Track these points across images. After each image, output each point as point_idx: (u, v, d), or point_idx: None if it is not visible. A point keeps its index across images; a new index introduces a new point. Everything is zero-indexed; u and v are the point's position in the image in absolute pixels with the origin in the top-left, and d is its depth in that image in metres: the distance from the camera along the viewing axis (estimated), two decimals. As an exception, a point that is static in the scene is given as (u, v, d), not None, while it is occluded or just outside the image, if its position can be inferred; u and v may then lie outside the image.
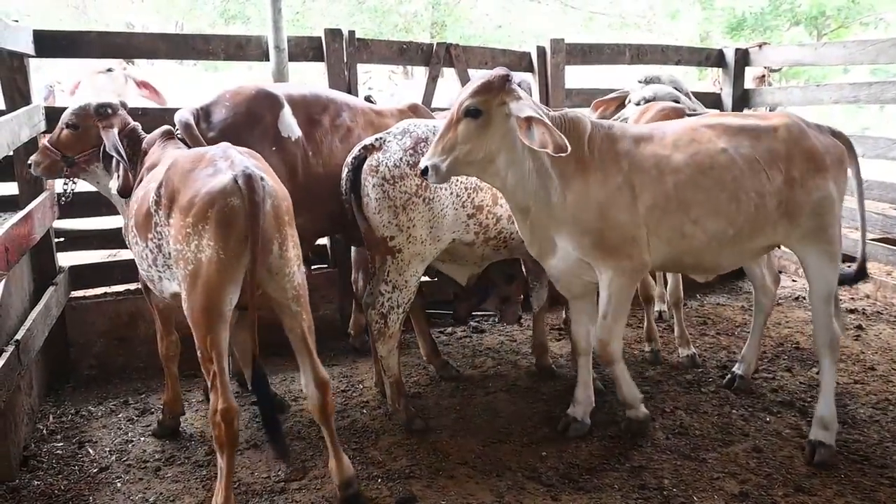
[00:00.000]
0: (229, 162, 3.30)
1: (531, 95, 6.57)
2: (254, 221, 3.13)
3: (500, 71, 3.74)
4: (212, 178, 3.20)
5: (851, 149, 4.27)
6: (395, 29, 19.54)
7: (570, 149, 3.51)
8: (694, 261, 4.16)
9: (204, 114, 4.44)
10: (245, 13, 19.48)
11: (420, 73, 7.97)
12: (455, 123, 3.69)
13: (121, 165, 4.11)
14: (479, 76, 3.89)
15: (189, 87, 8.72)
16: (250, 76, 12.42)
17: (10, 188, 5.08)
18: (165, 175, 3.38)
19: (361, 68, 6.41)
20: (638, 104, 5.26)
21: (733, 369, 4.98)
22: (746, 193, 3.93)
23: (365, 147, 4.27)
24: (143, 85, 7.40)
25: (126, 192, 4.09)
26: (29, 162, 4.32)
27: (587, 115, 4.22)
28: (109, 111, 4.27)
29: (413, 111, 5.28)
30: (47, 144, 4.26)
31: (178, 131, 4.25)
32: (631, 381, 4.29)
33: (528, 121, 3.56)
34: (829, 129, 4.24)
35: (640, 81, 5.55)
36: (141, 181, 3.90)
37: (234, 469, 3.39)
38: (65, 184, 4.48)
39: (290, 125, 4.55)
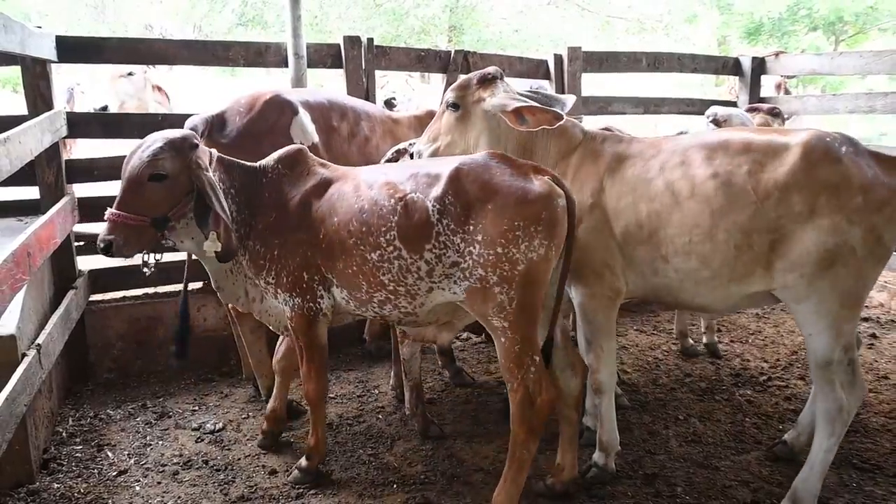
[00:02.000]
0: (528, 167, 3.34)
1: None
2: (573, 220, 3.29)
3: (488, 70, 3.84)
4: (528, 183, 3.23)
5: None
6: (413, 33, 19.62)
7: (564, 116, 3.59)
8: (673, 299, 3.70)
9: (218, 120, 4.48)
10: (263, 18, 19.59)
11: (437, 78, 8.00)
12: (440, 115, 3.89)
13: (221, 222, 3.41)
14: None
15: (209, 92, 8.78)
16: (270, 82, 12.48)
17: (31, 192, 5.11)
18: (451, 186, 3.27)
19: (379, 73, 6.47)
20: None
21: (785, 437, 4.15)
22: (727, 231, 3.33)
23: (398, 151, 4.35)
24: (157, 89, 7.48)
25: (230, 255, 3.52)
26: (102, 243, 3.37)
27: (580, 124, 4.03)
28: (197, 142, 3.52)
29: (430, 118, 5.31)
30: (120, 213, 3.36)
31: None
32: (615, 424, 3.89)
33: (516, 112, 3.62)
34: (892, 159, 3.31)
35: None
36: (328, 197, 3.58)
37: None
38: (146, 253, 3.67)
39: (305, 131, 4.58)
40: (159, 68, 7.75)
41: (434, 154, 3.83)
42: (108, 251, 3.39)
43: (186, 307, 4.29)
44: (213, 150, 3.66)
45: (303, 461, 3.91)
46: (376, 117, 5.07)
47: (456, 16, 20.22)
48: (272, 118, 4.54)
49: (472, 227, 3.23)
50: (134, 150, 3.47)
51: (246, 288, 3.90)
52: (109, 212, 3.39)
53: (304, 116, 4.65)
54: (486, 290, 3.23)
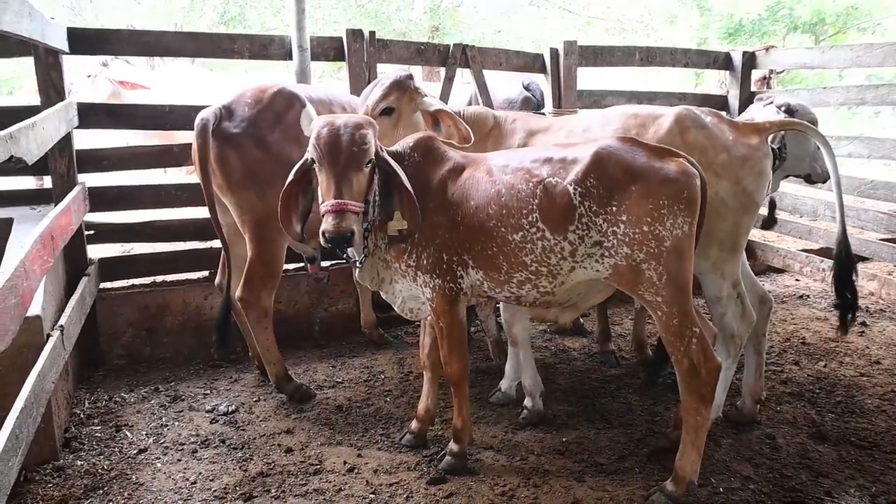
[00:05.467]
0: (663, 150, 3.52)
1: (542, 97, 6.77)
2: (705, 199, 3.52)
3: (403, 71, 4.21)
4: (667, 164, 3.42)
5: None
6: (396, 35, 19.65)
7: (472, 139, 3.93)
8: None
9: (227, 111, 4.55)
10: (244, 16, 19.54)
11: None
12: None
13: (405, 198, 3.49)
14: (384, 77, 4.34)
15: (196, 87, 8.80)
16: (260, 77, 12.51)
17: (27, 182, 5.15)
18: (593, 169, 3.41)
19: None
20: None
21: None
22: None
23: None
24: (124, 84, 7.42)
25: (416, 229, 3.57)
26: (330, 234, 3.25)
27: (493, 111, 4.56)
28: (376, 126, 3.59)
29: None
30: (348, 202, 3.30)
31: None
32: (535, 370, 4.52)
33: (436, 114, 4.03)
34: (747, 126, 4.06)
35: None
36: (439, 188, 3.67)
37: None
38: (365, 244, 3.69)
39: None
40: (111, 63, 7.69)
41: None
42: (340, 241, 3.31)
43: (228, 300, 4.64)
44: None
45: (452, 446, 3.94)
46: None
47: (438, 17, 20.29)
48: (281, 109, 4.63)
49: (615, 208, 3.40)
50: (335, 140, 3.37)
51: (378, 269, 3.88)
52: (337, 203, 3.30)
53: (311, 110, 4.75)
54: (634, 268, 3.40)
